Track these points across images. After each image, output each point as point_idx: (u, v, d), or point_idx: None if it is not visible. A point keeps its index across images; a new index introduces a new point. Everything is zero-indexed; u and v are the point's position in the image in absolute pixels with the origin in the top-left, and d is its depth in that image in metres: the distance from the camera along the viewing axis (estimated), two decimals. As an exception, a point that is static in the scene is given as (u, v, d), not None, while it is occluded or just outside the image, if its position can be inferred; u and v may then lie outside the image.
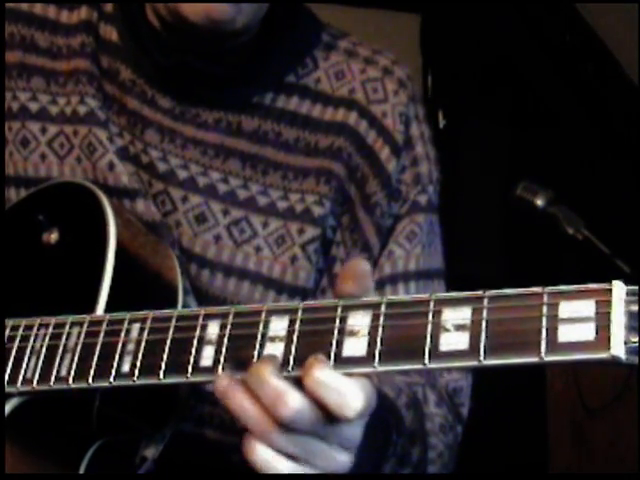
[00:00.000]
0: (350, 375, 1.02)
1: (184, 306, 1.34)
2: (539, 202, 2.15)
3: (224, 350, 1.09)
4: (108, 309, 1.23)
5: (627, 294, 0.95)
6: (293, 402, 1.00)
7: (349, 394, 1.00)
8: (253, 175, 1.44)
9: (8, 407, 1.19)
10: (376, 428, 1.08)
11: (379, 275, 1.44)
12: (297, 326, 1.07)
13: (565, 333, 0.96)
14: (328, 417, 1.01)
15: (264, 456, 1.02)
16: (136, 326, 1.14)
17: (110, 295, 1.24)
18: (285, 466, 1.02)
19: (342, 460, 1.04)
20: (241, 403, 1.02)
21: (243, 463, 1.43)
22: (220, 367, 1.08)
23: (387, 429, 1.18)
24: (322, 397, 1.00)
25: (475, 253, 4.13)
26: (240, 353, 1.07)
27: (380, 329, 1.03)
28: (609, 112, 4.12)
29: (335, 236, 1.45)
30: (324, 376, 1.00)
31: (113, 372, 1.13)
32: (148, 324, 1.14)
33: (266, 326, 1.08)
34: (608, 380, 3.68)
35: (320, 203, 1.44)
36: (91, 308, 1.23)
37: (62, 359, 1.17)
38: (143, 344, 1.13)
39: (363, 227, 1.45)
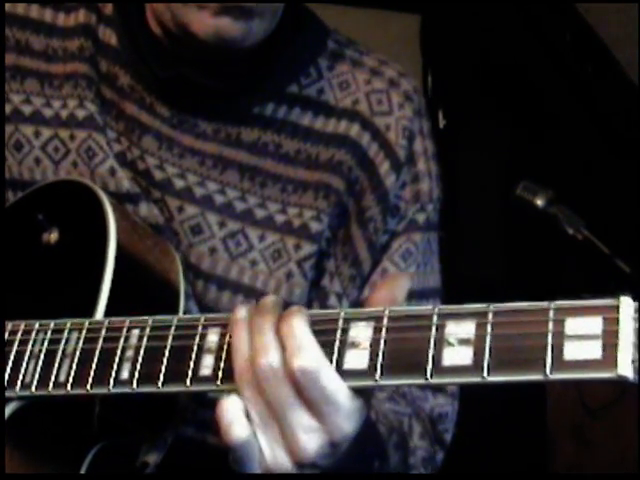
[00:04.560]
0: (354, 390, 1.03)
1: (185, 311, 1.34)
2: (539, 202, 2.15)
3: (224, 359, 1.08)
4: (108, 310, 1.23)
5: (635, 311, 0.93)
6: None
7: (305, 351, 1.02)
8: (251, 187, 1.42)
9: (7, 410, 1.19)
10: (360, 463, 1.09)
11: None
12: None
13: (571, 351, 0.94)
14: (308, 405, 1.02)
15: (232, 411, 1.04)
16: (135, 332, 1.14)
17: (110, 296, 1.24)
18: (240, 431, 1.03)
19: (280, 463, 1.04)
20: (243, 337, 1.05)
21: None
22: (219, 377, 1.08)
23: (370, 468, 1.18)
24: (284, 339, 1.03)
25: (475, 253, 4.13)
26: None
27: (382, 342, 1.02)
28: (609, 112, 4.12)
29: (328, 249, 1.43)
30: (296, 324, 1.03)
31: (112, 379, 1.12)
32: (147, 331, 1.13)
33: None
34: (608, 380, 3.67)
35: (318, 219, 1.42)
36: (91, 309, 1.23)
37: (61, 364, 1.17)
38: (142, 351, 1.12)
39: (354, 241, 1.43)
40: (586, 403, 3.85)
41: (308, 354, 1.02)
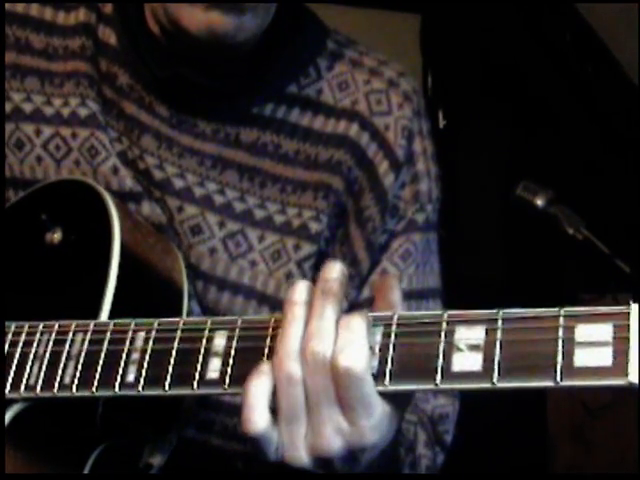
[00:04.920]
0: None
1: (189, 310, 1.33)
2: (539, 202, 2.15)
3: (231, 363, 1.08)
4: (113, 310, 1.23)
5: None
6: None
7: (356, 351, 1.00)
8: (250, 187, 1.42)
9: (11, 412, 1.19)
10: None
11: (370, 292, 1.42)
12: None
13: (581, 357, 0.93)
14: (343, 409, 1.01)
15: (255, 390, 1.02)
16: (141, 335, 1.14)
17: (115, 296, 1.24)
18: (258, 421, 1.02)
19: (298, 457, 1.03)
20: (298, 322, 1.03)
21: (246, 470, 1.43)
22: (227, 380, 1.07)
23: None
24: (340, 333, 1.01)
25: (475, 253, 4.13)
26: (247, 366, 1.06)
27: (391, 347, 1.01)
28: (609, 112, 4.12)
29: (327, 248, 1.43)
30: (356, 323, 1.01)
31: (118, 382, 1.12)
32: (153, 333, 1.13)
33: (274, 339, 1.06)
34: (608, 380, 3.67)
35: (317, 219, 1.42)
36: (96, 309, 1.22)
37: (66, 366, 1.16)
38: (148, 354, 1.12)
39: (353, 241, 1.43)
40: (586, 403, 3.85)
41: (358, 355, 1.00)
